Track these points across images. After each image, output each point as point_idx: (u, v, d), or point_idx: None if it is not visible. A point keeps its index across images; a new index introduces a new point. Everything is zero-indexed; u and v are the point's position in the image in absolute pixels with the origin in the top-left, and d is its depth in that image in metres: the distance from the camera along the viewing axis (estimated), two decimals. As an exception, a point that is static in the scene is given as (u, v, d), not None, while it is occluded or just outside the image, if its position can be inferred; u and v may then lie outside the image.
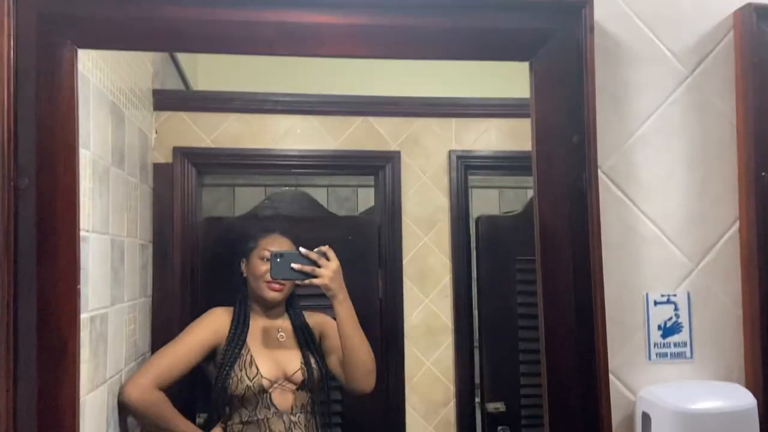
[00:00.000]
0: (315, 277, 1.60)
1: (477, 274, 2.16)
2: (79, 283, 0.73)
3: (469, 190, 2.23)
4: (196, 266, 1.99)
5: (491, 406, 2.08)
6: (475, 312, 2.16)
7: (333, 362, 1.77)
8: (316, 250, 1.63)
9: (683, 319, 0.91)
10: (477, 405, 2.14)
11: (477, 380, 2.15)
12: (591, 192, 0.85)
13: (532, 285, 2.23)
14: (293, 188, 2.12)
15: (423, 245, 2.16)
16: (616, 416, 0.86)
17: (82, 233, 1.25)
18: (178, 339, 1.70)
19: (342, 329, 1.67)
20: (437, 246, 2.16)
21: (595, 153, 0.86)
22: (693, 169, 0.92)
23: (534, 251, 2.23)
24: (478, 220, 2.18)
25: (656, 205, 0.91)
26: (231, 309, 1.77)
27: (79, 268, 0.74)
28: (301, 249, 1.61)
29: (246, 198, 2.38)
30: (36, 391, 0.70)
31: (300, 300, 1.86)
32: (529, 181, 3.52)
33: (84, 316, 1.27)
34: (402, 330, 2.10)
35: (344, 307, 1.66)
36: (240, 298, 1.80)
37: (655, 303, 0.90)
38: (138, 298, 1.76)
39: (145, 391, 1.57)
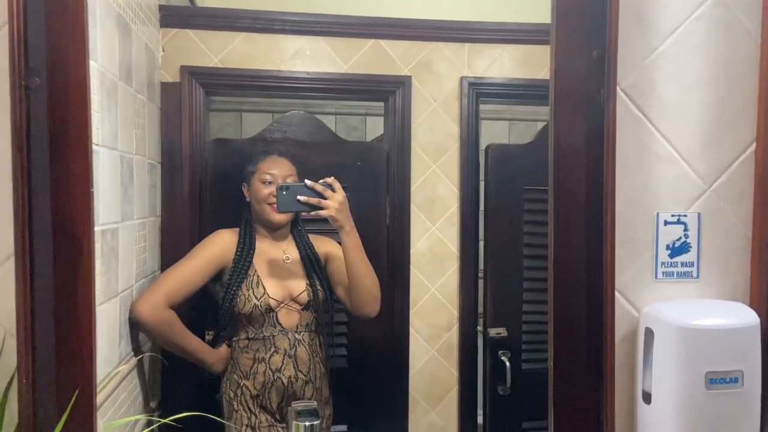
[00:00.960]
0: (321, 209, 1.59)
1: (485, 202, 2.17)
2: (92, 186, 0.73)
3: (480, 121, 2.20)
4: (204, 187, 2.00)
5: (493, 332, 2.13)
6: (481, 240, 2.18)
7: (338, 287, 1.80)
8: (321, 181, 1.61)
9: (692, 239, 0.91)
10: (479, 331, 2.20)
11: (480, 306, 2.20)
12: (608, 109, 0.83)
13: (539, 215, 2.26)
14: (302, 112, 2.09)
15: (432, 173, 2.15)
16: (620, 331, 0.87)
17: (93, 148, 1.26)
18: (186, 259, 1.71)
19: (348, 258, 1.69)
20: (446, 174, 2.16)
21: (615, 69, 0.83)
22: (713, 89, 0.89)
23: (543, 181, 2.23)
24: (487, 148, 2.16)
25: (673, 125, 0.89)
26: (236, 231, 1.78)
27: (92, 171, 0.74)
28: (307, 181, 1.60)
29: (253, 123, 2.36)
30: (53, 291, 0.71)
31: (305, 223, 1.85)
32: (541, 112, 3.48)
33: (96, 230, 1.29)
34: (408, 256, 2.13)
35: (351, 237, 1.67)
36: (244, 220, 1.81)
37: (666, 223, 0.89)
38: (147, 216, 1.77)
39: (156, 309, 1.59)
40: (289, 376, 1.69)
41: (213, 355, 1.74)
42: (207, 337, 1.98)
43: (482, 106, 2.23)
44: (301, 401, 1.35)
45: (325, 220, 1.64)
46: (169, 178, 1.95)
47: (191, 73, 1.97)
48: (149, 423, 1.69)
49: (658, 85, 0.88)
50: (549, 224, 0.87)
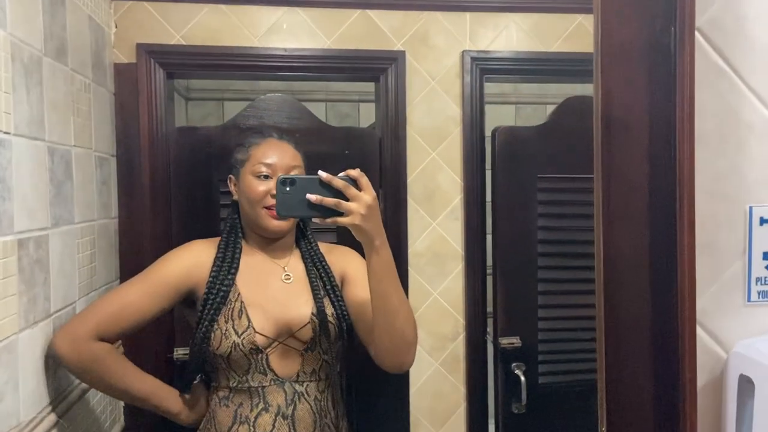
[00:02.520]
0: (341, 214, 1.05)
1: (492, 194, 1.90)
2: None
3: (484, 100, 1.92)
4: (168, 184, 1.74)
5: (505, 341, 1.87)
6: (489, 237, 1.91)
7: (358, 322, 1.27)
8: (342, 174, 1.08)
9: (801, 244, 0.64)
10: (489, 340, 1.94)
11: (490, 313, 1.93)
12: (682, 57, 0.56)
13: (555, 206, 1.98)
14: (279, 94, 1.82)
15: (431, 161, 1.88)
16: (699, 380, 0.61)
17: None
18: (138, 277, 1.27)
19: (376, 286, 1.13)
20: (447, 162, 1.89)
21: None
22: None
23: (560, 168, 1.96)
24: (495, 131, 1.89)
25: (772, 80, 0.62)
26: (216, 242, 1.33)
27: None
28: (321, 173, 1.06)
29: (236, 111, 2.08)
30: None
31: (310, 227, 1.39)
32: (551, 93, 3.18)
33: (8, 239, 1.03)
34: (406, 257, 1.86)
35: (381, 256, 1.10)
36: (228, 226, 1.35)
37: (762, 221, 0.63)
38: (97, 219, 1.51)
39: (79, 341, 1.17)
40: None
41: (177, 403, 1.29)
42: (175, 354, 1.73)
43: (486, 87, 1.95)
44: None
45: (345, 229, 1.09)
46: (126, 173, 1.69)
47: (149, 52, 1.70)
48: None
49: (750, 22, 0.61)
50: (595, 227, 0.60)
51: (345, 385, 1.40)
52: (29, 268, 1.11)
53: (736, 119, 0.61)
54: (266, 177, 1.28)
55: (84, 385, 1.35)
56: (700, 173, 0.60)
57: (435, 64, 1.88)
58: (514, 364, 1.87)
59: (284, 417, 1.24)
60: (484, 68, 1.90)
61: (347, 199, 1.05)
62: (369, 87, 2.00)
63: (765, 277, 0.63)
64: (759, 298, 0.63)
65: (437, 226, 1.90)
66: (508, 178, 1.87)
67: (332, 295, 1.30)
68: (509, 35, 1.93)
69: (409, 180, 1.87)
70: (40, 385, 1.16)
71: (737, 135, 0.61)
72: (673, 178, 0.57)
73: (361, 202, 1.06)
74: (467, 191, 1.89)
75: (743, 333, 0.62)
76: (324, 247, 1.38)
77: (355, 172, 1.08)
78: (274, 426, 1.24)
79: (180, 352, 1.72)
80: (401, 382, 1.87)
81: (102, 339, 1.19)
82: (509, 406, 1.88)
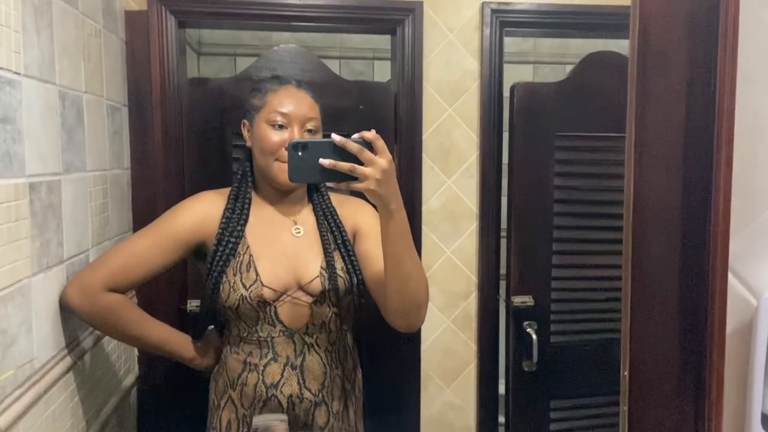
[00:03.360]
0: (355, 179, 1.01)
1: (509, 151, 1.86)
2: None
3: (504, 55, 1.87)
4: (181, 135, 1.71)
5: (518, 300, 1.85)
6: (504, 195, 1.88)
7: (370, 279, 1.25)
8: (356, 136, 1.02)
9: (842, 188, 0.61)
10: (501, 299, 1.92)
11: (503, 271, 1.92)
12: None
13: (573, 165, 1.93)
14: (293, 46, 1.78)
15: (447, 117, 1.84)
16: (726, 328, 0.59)
17: (7, 75, 0.97)
18: (148, 228, 1.26)
19: (389, 248, 1.10)
20: (463, 118, 1.85)
21: None
22: None
23: (579, 127, 1.90)
24: (513, 87, 1.84)
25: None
26: (226, 193, 1.31)
27: None
28: (335, 136, 1.01)
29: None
30: None
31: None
32: (570, 52, 3.09)
33: (19, 182, 1.01)
34: (420, 214, 1.84)
35: (396, 219, 1.07)
36: (239, 175, 1.32)
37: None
38: (109, 168, 1.50)
39: (90, 292, 1.18)
40: (290, 395, 1.24)
41: (190, 349, 1.31)
42: (189, 306, 1.73)
43: (505, 45, 1.89)
44: (265, 415, 0.99)
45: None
46: (137, 123, 1.67)
47: (161, -1, 1.66)
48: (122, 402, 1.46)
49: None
50: (626, 166, 0.57)
51: (355, 339, 1.39)
52: (41, 213, 1.10)
53: (782, 52, 0.57)
54: (281, 127, 1.24)
55: (97, 333, 1.36)
56: (741, 109, 0.56)
57: (453, 16, 1.83)
58: (525, 323, 1.87)
59: (293, 367, 1.25)
60: (504, 21, 1.84)
61: (362, 163, 1.01)
62: (384, 44, 1.95)
63: (802, 222, 0.60)
64: (795, 243, 0.60)
65: (452, 184, 1.87)
66: (526, 136, 1.83)
67: (343, 250, 1.28)
68: (531, -13, 1.86)
69: (424, 136, 1.84)
70: (54, 330, 1.16)
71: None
72: (712, 113, 0.54)
73: (376, 167, 1.01)
74: (483, 149, 1.85)
75: (776, 279, 0.59)
76: (336, 200, 1.36)
77: (370, 135, 1.02)
78: (282, 375, 1.24)
79: (193, 304, 1.73)
80: (413, 338, 1.87)
81: (113, 290, 1.20)
82: (520, 364, 1.88)
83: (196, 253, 1.29)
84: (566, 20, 1.86)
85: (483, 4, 1.82)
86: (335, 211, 1.33)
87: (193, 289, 1.76)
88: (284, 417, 0.73)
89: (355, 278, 1.27)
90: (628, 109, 0.54)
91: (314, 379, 1.26)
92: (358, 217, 1.32)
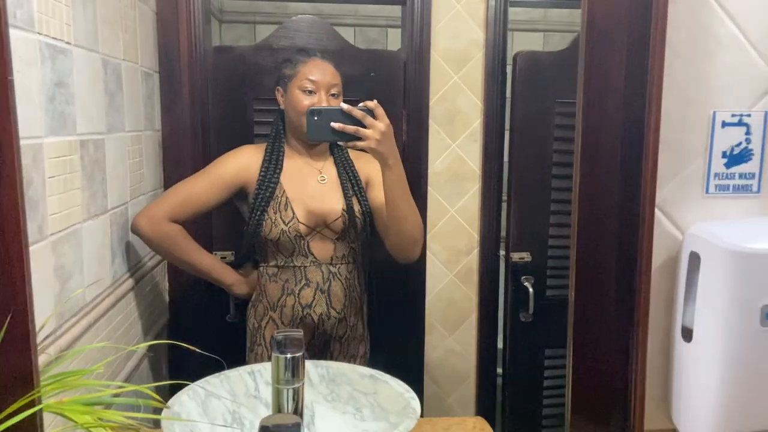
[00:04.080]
0: (359, 139, 1.29)
1: (511, 117, 1.99)
2: (10, 74, 0.60)
3: (509, 32, 1.98)
4: (207, 100, 1.86)
5: (516, 256, 2.00)
6: (506, 158, 2.01)
7: (378, 218, 1.55)
8: (361, 105, 1.30)
9: (755, 145, 0.74)
10: (501, 255, 2.07)
11: (503, 230, 2.06)
12: (658, -25, 0.65)
13: (572, 131, 2.05)
14: (309, 16, 1.90)
15: (453, 84, 1.97)
16: (658, 256, 0.73)
17: (61, 45, 1.12)
18: (200, 173, 1.56)
19: (389, 196, 1.40)
20: (468, 85, 1.97)
21: None
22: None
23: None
24: (516, 56, 1.95)
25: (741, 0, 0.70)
26: (262, 147, 1.58)
27: (9, 56, 0.61)
28: (343, 105, 1.30)
29: (266, 34, 2.15)
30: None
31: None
32: (579, 20, 3.18)
33: (73, 139, 1.17)
34: (426, 175, 1.98)
35: (394, 173, 1.36)
36: (274, 132, 1.59)
37: (723, 124, 0.72)
38: (143, 130, 1.65)
39: (156, 221, 1.47)
40: (321, 313, 1.53)
41: (231, 275, 1.60)
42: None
43: (514, 15, 2.00)
44: (285, 330, 1.21)
45: None
46: (168, 88, 1.81)
47: (187, -29, 1.78)
48: (151, 348, 1.64)
49: (724, -53, 0.69)
50: (577, 125, 0.71)
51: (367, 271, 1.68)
52: (90, 167, 1.26)
53: (706, 32, 0.70)
54: (311, 92, 1.51)
55: (135, 278, 1.54)
56: (671, 79, 0.70)
57: (461, -12, 1.93)
58: (523, 277, 2.01)
59: (322, 291, 1.54)
60: (509, -8, 1.94)
61: (365, 127, 1.29)
62: (397, 12, 2.06)
63: (722, 173, 0.74)
64: (716, 190, 0.74)
65: (456, 147, 2.00)
66: (527, 102, 1.95)
67: (359, 195, 1.57)
68: (535, -40, 1.96)
69: (431, 102, 1.96)
70: (100, 271, 1.33)
71: (706, 46, 0.70)
72: (644, 83, 0.67)
73: (376, 129, 1.30)
74: (487, 114, 1.98)
75: (699, 219, 0.73)
76: (353, 154, 1.61)
77: (372, 104, 1.31)
78: (314, 298, 1.53)
79: (219, 255, 1.89)
80: (418, 290, 2.03)
81: (173, 221, 1.49)
82: (517, 315, 2.04)
83: (238, 195, 1.56)
84: (569, -8, 1.96)
85: (489, -24, 1.92)
86: (353, 163, 1.60)
87: (217, 242, 1.92)
88: (300, 332, 0.90)
89: (368, 219, 1.56)
90: (578, 77, 0.68)
91: (338, 301, 1.55)
92: (370, 168, 1.57)
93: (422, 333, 2.05)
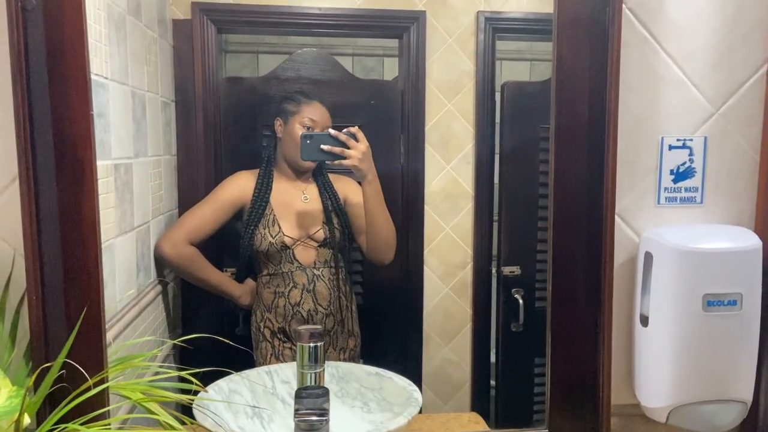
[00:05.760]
0: (344, 158, 1.60)
1: (500, 141, 2.14)
2: (91, 109, 0.74)
3: (497, 61, 2.15)
4: (218, 127, 2.01)
5: (507, 270, 2.14)
6: (496, 179, 2.16)
7: (356, 230, 1.82)
8: (345, 131, 1.61)
9: (697, 164, 0.89)
10: (493, 271, 2.21)
11: (495, 247, 2.20)
12: (613, 29, 0.80)
13: (556, 155, 2.22)
14: (315, 49, 2.07)
15: (446, 111, 2.13)
16: (619, 256, 0.87)
17: (100, 80, 1.27)
18: (206, 199, 1.80)
19: (368, 207, 1.73)
20: (461, 112, 2.13)
21: (621, -14, 0.80)
22: (724, 6, 0.86)
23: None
24: (503, 86, 2.12)
25: (681, 45, 0.86)
26: (256, 172, 1.82)
27: (91, 94, 0.75)
28: (330, 130, 1.61)
29: (270, 64, 2.33)
30: (58, 210, 0.73)
31: (326, 164, 1.84)
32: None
33: (108, 163, 1.31)
34: (422, 195, 2.13)
35: (372, 186, 1.70)
36: (266, 159, 1.83)
37: (670, 147, 0.88)
38: (162, 155, 1.80)
39: (177, 245, 1.71)
40: (309, 310, 1.76)
41: (238, 288, 1.83)
42: (226, 273, 2.04)
43: (502, 46, 2.17)
44: (308, 324, 1.40)
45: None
46: (183, 116, 1.96)
47: (202, 9, 1.95)
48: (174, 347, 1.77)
49: (667, 4, 0.85)
50: (550, 150, 0.86)
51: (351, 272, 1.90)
52: (121, 188, 1.40)
53: (654, 73, 0.86)
54: (309, 129, 1.74)
55: (155, 290, 1.67)
56: (626, 112, 0.85)
57: (452, 23, 2.11)
58: (514, 290, 2.15)
59: (308, 291, 1.77)
60: (496, 27, 2.12)
61: (349, 148, 1.59)
62: (393, 43, 2.23)
63: (671, 187, 0.89)
64: (666, 201, 0.89)
65: (451, 169, 2.15)
66: (515, 128, 2.11)
67: (337, 210, 1.83)
68: (521, -3, 2.14)
69: (426, 128, 2.12)
70: (129, 283, 1.46)
71: (654, 84, 0.86)
72: (604, 115, 0.82)
73: (358, 150, 1.61)
74: (478, 139, 2.13)
75: (653, 225, 0.88)
76: (332, 177, 1.87)
77: (354, 129, 1.62)
78: (301, 297, 1.76)
79: (229, 271, 2.02)
80: (416, 303, 2.16)
81: (191, 244, 1.73)
82: (509, 326, 2.17)
83: (236, 215, 1.80)
84: (550, 27, 2.14)
85: (478, 12, 2.10)
86: (332, 185, 1.85)
87: (226, 260, 2.05)
88: (319, 327, 1.04)
89: (345, 230, 1.81)
90: (551, 116, 0.83)
91: (323, 299, 1.78)
92: (347, 189, 1.84)
93: (420, 343, 2.18)
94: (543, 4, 2.14)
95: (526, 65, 3.47)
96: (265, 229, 1.75)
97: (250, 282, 1.85)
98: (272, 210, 1.77)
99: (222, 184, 1.82)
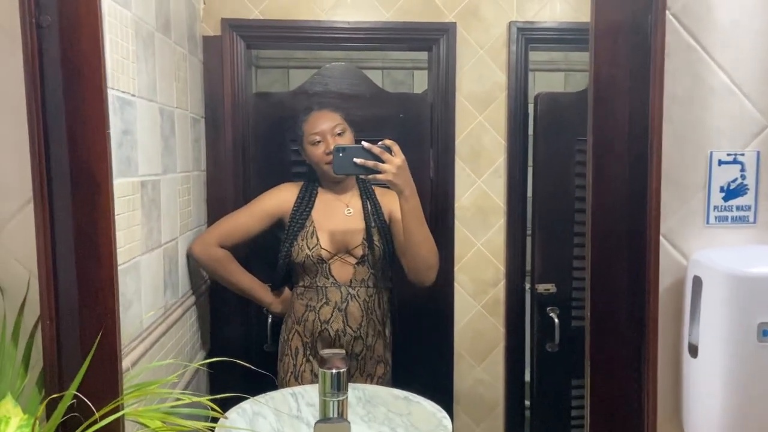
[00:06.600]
0: (378, 172, 1.49)
1: (533, 154, 2.08)
2: (108, 128, 0.72)
3: (530, 72, 2.09)
4: (248, 142, 2.00)
5: (541, 287, 2.07)
6: (529, 194, 2.10)
7: (398, 248, 1.72)
8: (380, 143, 1.50)
9: (749, 180, 0.82)
10: (527, 288, 2.14)
11: (528, 263, 2.13)
12: (656, 36, 0.75)
13: (592, 169, 2.14)
14: (343, 63, 2.04)
15: (477, 124, 2.08)
16: (665, 280, 0.81)
17: (127, 97, 1.26)
18: (246, 206, 1.80)
19: (406, 224, 1.60)
20: (492, 125, 2.08)
21: (664, -10, 0.75)
22: (778, 10, 0.79)
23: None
24: (537, 97, 2.06)
25: (731, 53, 0.80)
26: (300, 185, 1.79)
27: (107, 112, 0.73)
28: (364, 143, 1.49)
29: (300, 79, 2.32)
30: (73, 232, 0.71)
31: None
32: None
33: (135, 180, 1.30)
34: (452, 210, 2.08)
35: (409, 203, 1.57)
36: (307, 178, 1.80)
37: (720, 162, 0.81)
38: (191, 170, 1.79)
39: (207, 246, 1.72)
40: (337, 330, 1.69)
41: (270, 295, 1.80)
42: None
43: (536, 56, 2.11)
44: (331, 349, 1.33)
45: None
46: (212, 132, 1.96)
47: (232, 26, 1.95)
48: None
49: (715, 9, 0.79)
50: (587, 165, 0.80)
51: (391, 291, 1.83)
52: (148, 205, 1.39)
53: (702, 83, 0.80)
54: (319, 142, 1.69)
55: (183, 307, 1.65)
56: (671, 125, 0.79)
57: (483, 35, 2.06)
58: (549, 308, 2.08)
59: (339, 310, 1.70)
60: (529, 38, 2.07)
61: (383, 162, 1.48)
62: (422, 55, 2.20)
63: (721, 206, 0.82)
64: (715, 221, 0.83)
65: (482, 183, 2.10)
66: (549, 141, 2.05)
67: (380, 226, 1.74)
68: (553, 7, 2.08)
69: (457, 141, 2.07)
70: (155, 301, 1.45)
71: (702, 96, 0.80)
72: (646, 129, 0.77)
73: (392, 164, 1.49)
74: (510, 152, 2.08)
75: (701, 247, 0.81)
76: (379, 191, 1.79)
77: (389, 142, 1.51)
78: (332, 315, 1.70)
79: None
80: (447, 321, 2.11)
81: (221, 246, 1.72)
82: (543, 346, 2.09)
83: (277, 225, 1.77)
84: (586, 36, 2.07)
85: (510, 23, 2.05)
86: (377, 198, 1.78)
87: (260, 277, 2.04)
88: (342, 352, 0.99)
89: (387, 248, 1.72)
90: (588, 132, 0.78)
91: (354, 321, 1.70)
92: (393, 204, 1.70)
93: (451, 363, 2.12)
94: (577, 12, 2.09)
95: (561, 75, 3.41)
96: (303, 240, 1.71)
97: (285, 291, 1.82)
98: (312, 222, 1.72)
99: (265, 193, 1.80)
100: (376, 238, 1.71)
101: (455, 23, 2.03)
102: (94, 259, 0.70)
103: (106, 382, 0.73)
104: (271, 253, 1.79)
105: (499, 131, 2.08)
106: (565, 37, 2.08)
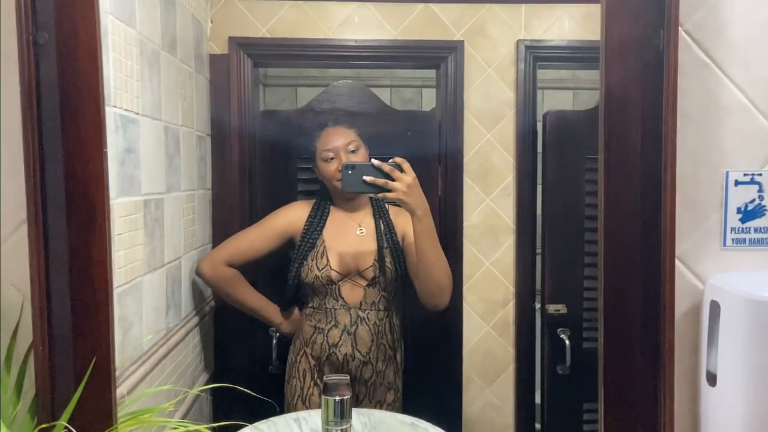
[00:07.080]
0: (389, 190, 1.44)
1: (542, 172, 2.05)
2: (105, 147, 0.70)
3: (538, 90, 2.07)
4: (254, 160, 1.99)
5: (552, 308, 2.03)
6: (539, 212, 2.07)
7: (411, 270, 1.66)
8: (390, 161, 1.45)
9: (768, 201, 0.79)
10: (537, 308, 2.10)
11: (538, 283, 2.09)
12: (669, 53, 0.72)
13: (602, 187, 2.11)
14: (351, 81, 2.03)
15: (486, 142, 2.06)
16: (681, 305, 0.78)
17: (131, 115, 1.25)
18: (256, 224, 1.75)
19: (418, 245, 1.53)
20: (501, 143, 2.06)
21: (677, 7, 0.73)
22: (793, 26, 0.77)
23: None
24: (545, 115, 2.04)
25: (747, 71, 0.77)
26: (312, 203, 1.75)
27: (105, 132, 0.71)
28: (374, 160, 1.44)
29: (308, 97, 2.31)
30: (67, 255, 0.69)
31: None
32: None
33: (138, 199, 1.29)
34: (461, 229, 2.05)
35: (422, 223, 1.49)
36: (319, 196, 1.76)
37: (737, 183, 0.78)
38: (196, 189, 1.77)
39: (215, 265, 1.67)
40: (345, 354, 1.65)
41: (278, 315, 1.76)
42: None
43: (544, 75, 2.09)
44: (335, 375, 1.29)
45: None
46: (218, 150, 1.95)
47: (239, 44, 1.94)
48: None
49: (728, 25, 0.77)
50: (599, 185, 0.78)
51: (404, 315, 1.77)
52: (151, 224, 1.37)
53: (716, 101, 0.77)
54: (332, 159, 1.65)
55: (186, 328, 1.63)
56: (685, 145, 0.76)
57: (491, 53, 2.05)
58: (559, 329, 2.03)
59: (348, 333, 1.65)
60: (537, 56, 2.05)
61: (394, 180, 1.43)
62: (431, 73, 2.19)
63: (738, 228, 0.79)
64: (733, 243, 0.79)
65: (491, 201, 2.07)
66: (558, 159, 2.02)
67: (392, 247, 1.67)
68: (562, 25, 2.07)
69: (465, 159, 2.05)
70: (156, 322, 1.42)
71: (716, 114, 0.77)
72: (660, 149, 0.74)
73: (403, 182, 1.44)
74: (519, 170, 2.05)
75: (719, 270, 0.78)
76: (393, 211, 1.74)
77: (399, 159, 1.46)
78: (340, 339, 1.65)
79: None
80: (456, 342, 2.07)
81: (230, 265, 1.68)
82: (554, 368, 2.05)
83: (288, 244, 1.72)
84: (593, 54, 2.05)
85: (518, 41, 2.04)
86: (390, 217, 1.72)
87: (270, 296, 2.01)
88: (347, 378, 0.96)
89: (399, 270, 1.66)
90: (599, 151, 0.75)
91: (363, 345, 1.65)
92: (407, 224, 1.64)
93: (460, 385, 2.08)
94: (586, 30, 2.07)
95: (569, 94, 3.38)
96: (313, 261, 1.65)
97: (295, 311, 1.77)
98: (323, 242, 1.67)
99: (275, 212, 1.75)
100: (387, 259, 1.66)
101: (463, 41, 2.02)
102: (89, 284, 0.68)
103: (99, 411, 0.70)
104: (282, 272, 1.76)
105: (508, 149, 2.06)
106: (574, 55, 2.07)
